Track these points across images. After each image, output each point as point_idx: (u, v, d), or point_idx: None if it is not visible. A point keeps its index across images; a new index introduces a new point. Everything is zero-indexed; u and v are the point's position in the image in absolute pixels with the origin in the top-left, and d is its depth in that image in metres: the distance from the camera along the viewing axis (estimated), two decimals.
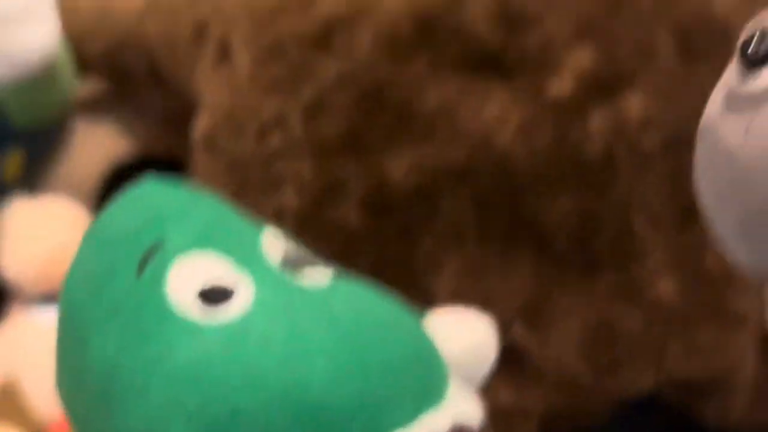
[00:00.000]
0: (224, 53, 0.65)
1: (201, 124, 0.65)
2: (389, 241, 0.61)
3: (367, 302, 0.42)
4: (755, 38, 0.34)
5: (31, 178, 0.78)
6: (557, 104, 0.60)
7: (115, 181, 0.78)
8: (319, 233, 0.61)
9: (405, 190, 0.60)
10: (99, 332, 0.40)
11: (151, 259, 0.40)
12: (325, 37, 0.61)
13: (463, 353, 0.44)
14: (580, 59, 0.60)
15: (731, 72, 0.34)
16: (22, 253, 0.71)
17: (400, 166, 0.60)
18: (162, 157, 0.77)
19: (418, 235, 0.61)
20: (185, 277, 0.40)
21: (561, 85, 0.60)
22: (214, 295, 0.39)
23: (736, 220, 0.34)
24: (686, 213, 0.62)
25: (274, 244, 0.42)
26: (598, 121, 0.60)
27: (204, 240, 0.41)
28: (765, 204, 0.33)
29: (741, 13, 0.63)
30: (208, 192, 0.45)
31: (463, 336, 0.45)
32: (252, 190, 0.62)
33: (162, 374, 0.38)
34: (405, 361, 0.40)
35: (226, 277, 0.40)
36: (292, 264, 0.42)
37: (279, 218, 0.61)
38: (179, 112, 0.72)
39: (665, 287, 0.62)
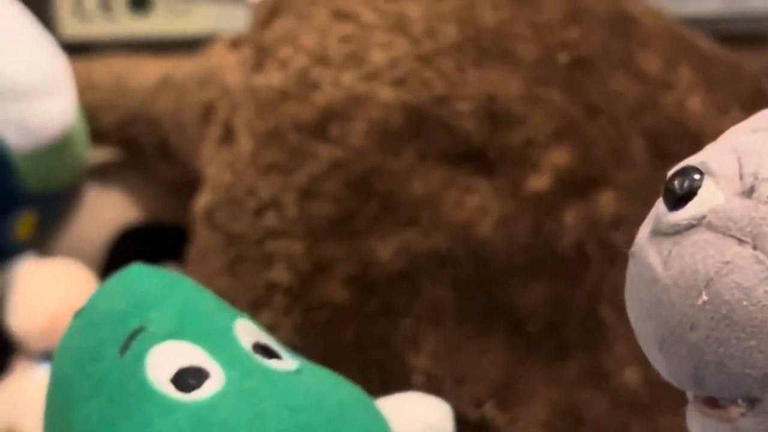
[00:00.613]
0: (228, 134, 0.68)
1: (202, 199, 0.68)
2: (372, 318, 0.64)
3: (327, 389, 0.45)
4: (678, 177, 0.38)
5: (42, 239, 0.82)
6: (535, 199, 0.64)
7: (122, 245, 0.81)
8: (307, 308, 0.64)
9: (389, 271, 0.64)
10: (83, 405, 0.44)
11: (133, 342, 0.44)
12: (322, 125, 0.65)
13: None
14: (557, 158, 0.64)
15: (660, 204, 0.38)
16: (28, 310, 0.74)
17: (385, 249, 0.63)
18: (167, 224, 0.81)
19: (399, 314, 0.64)
20: (163, 360, 0.44)
21: (539, 182, 0.64)
22: (187, 379, 0.43)
23: (655, 336, 0.38)
24: None
25: (246, 330, 0.46)
26: (572, 216, 0.64)
27: (180, 330, 0.45)
28: (678, 326, 0.36)
29: (712, 118, 0.68)
30: (187, 279, 0.49)
31: (420, 418, 0.48)
32: (246, 265, 0.66)
33: None
34: None
35: (198, 361, 0.44)
36: (263, 351, 0.46)
37: (270, 292, 0.65)
38: (185, 182, 0.76)
39: (631, 375, 0.66)
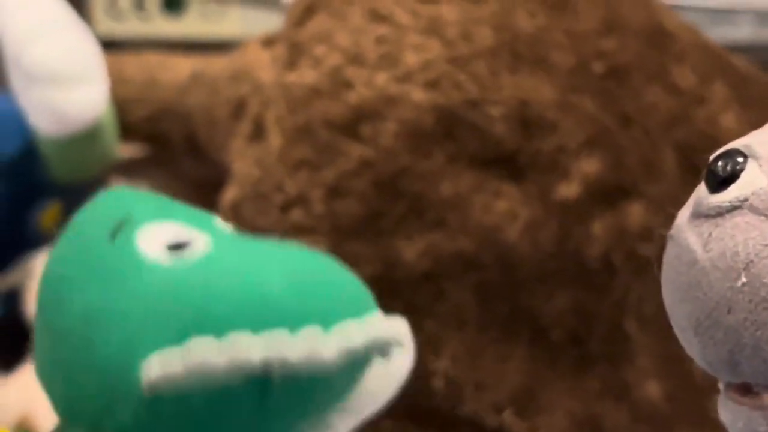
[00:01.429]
0: (258, 130, 0.69)
1: (229, 194, 0.68)
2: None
3: (312, 254, 0.48)
4: (720, 159, 0.38)
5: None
6: (563, 207, 0.64)
7: None
8: None
9: (414, 273, 0.63)
10: (78, 289, 0.45)
11: (120, 229, 0.45)
12: (353, 124, 0.65)
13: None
14: (588, 166, 0.64)
15: (701, 186, 0.38)
16: None
17: (411, 250, 0.63)
18: None
19: (422, 316, 0.64)
20: (152, 236, 0.45)
21: (568, 189, 0.64)
22: (179, 245, 0.45)
23: (690, 320, 0.37)
24: None
25: (224, 224, 0.49)
26: (600, 226, 0.64)
27: (164, 213, 0.47)
28: (715, 308, 0.36)
29: (745, 134, 0.67)
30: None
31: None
32: None
33: (139, 300, 0.43)
34: (353, 292, 0.47)
35: (186, 233, 0.46)
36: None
37: None
38: (211, 179, 0.75)
39: (652, 389, 0.65)
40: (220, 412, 0.43)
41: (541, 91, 0.64)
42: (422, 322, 0.64)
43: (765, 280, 0.35)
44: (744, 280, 0.35)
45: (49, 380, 0.47)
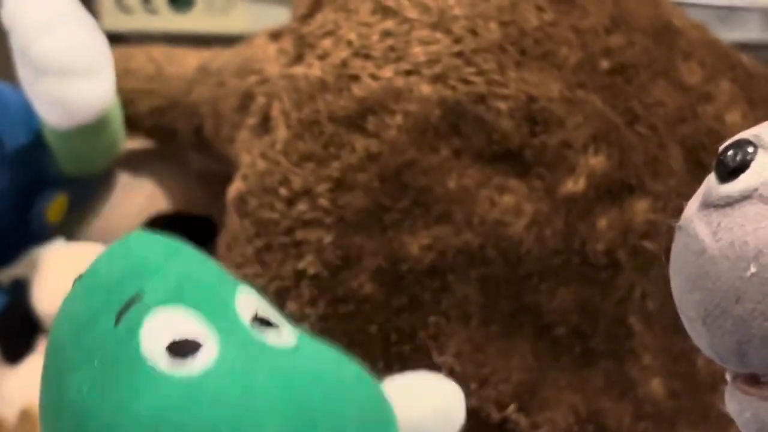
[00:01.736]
0: (265, 123, 0.68)
1: (234, 187, 0.68)
2: (399, 313, 0.64)
3: (326, 364, 0.45)
4: (731, 149, 0.38)
5: (71, 223, 0.82)
6: (569, 202, 0.64)
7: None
8: (333, 299, 0.64)
9: (419, 267, 0.63)
10: (76, 373, 0.44)
11: (128, 311, 0.43)
12: (359, 118, 0.65)
13: (431, 415, 0.47)
14: (594, 162, 0.64)
15: (711, 176, 0.38)
16: (53, 292, 0.75)
17: (416, 245, 0.63)
18: (196, 215, 0.81)
19: (427, 310, 0.64)
20: (157, 331, 0.43)
21: (574, 185, 0.64)
22: (181, 350, 0.43)
23: (699, 309, 0.37)
24: (680, 318, 0.65)
25: (247, 302, 0.46)
26: (605, 222, 0.64)
27: (178, 296, 0.44)
28: (724, 298, 0.36)
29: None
30: (189, 247, 0.48)
31: (431, 399, 0.47)
32: (275, 253, 0.65)
33: (126, 418, 0.42)
34: (354, 422, 0.43)
35: (193, 332, 0.43)
36: (262, 322, 0.45)
37: (297, 281, 0.65)
38: (215, 173, 0.75)
39: (656, 386, 0.65)
40: None
41: (548, 87, 0.64)
42: (427, 316, 0.64)
43: None
44: (753, 270, 0.35)
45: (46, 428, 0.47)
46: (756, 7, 0.91)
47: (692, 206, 0.39)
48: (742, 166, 0.37)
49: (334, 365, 0.45)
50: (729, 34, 0.91)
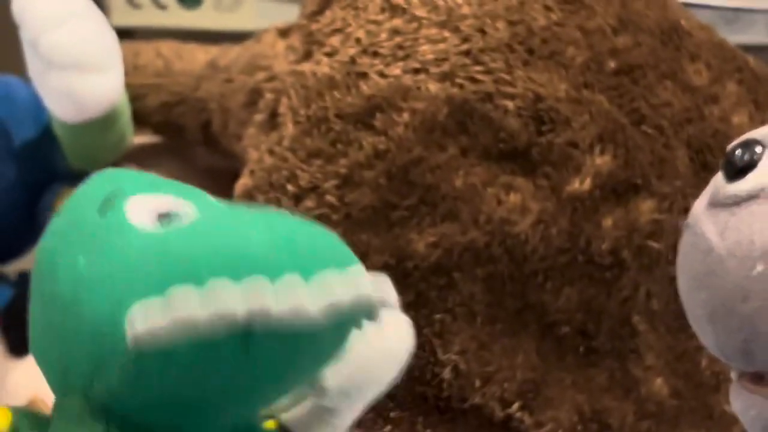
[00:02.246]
0: (273, 119, 0.69)
1: (242, 182, 0.68)
2: (405, 308, 0.64)
3: (297, 217, 0.47)
4: (739, 148, 0.38)
5: None
6: (575, 202, 0.64)
7: None
8: None
9: (425, 263, 0.64)
10: (68, 256, 0.45)
11: (110, 202, 0.45)
12: (368, 115, 0.65)
13: (376, 352, 0.48)
14: (600, 162, 0.64)
15: (718, 175, 0.38)
16: None
17: (422, 242, 0.63)
18: None
19: (432, 307, 0.64)
20: (141, 206, 0.45)
21: (580, 184, 0.64)
22: (166, 215, 0.45)
23: (705, 308, 0.38)
24: (684, 318, 0.65)
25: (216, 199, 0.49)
26: (610, 222, 0.64)
27: (154, 186, 0.47)
28: (730, 296, 0.36)
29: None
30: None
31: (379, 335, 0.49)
32: None
33: (125, 259, 0.43)
34: (336, 256, 0.46)
35: (174, 204, 0.45)
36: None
37: None
38: (221, 169, 0.76)
39: (659, 386, 0.66)
40: (204, 366, 0.43)
41: (555, 86, 0.65)
42: (432, 314, 0.64)
43: None
44: (760, 269, 0.36)
45: (42, 353, 0.47)
46: (762, 10, 0.92)
47: (700, 205, 0.39)
48: (750, 166, 0.37)
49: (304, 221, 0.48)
50: (735, 36, 0.92)
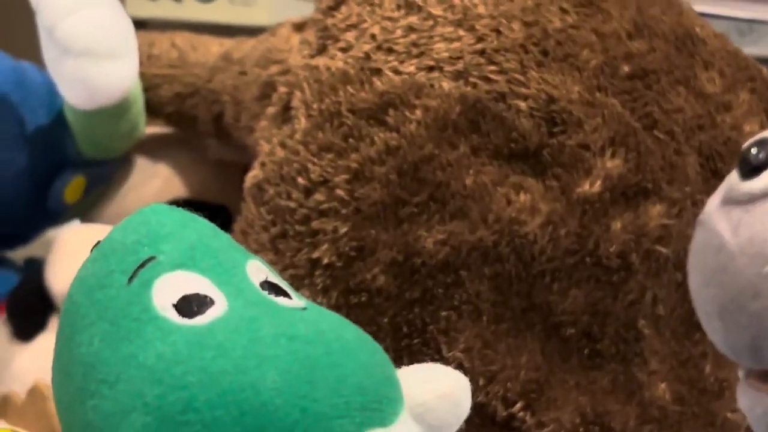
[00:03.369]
0: (285, 112, 0.69)
1: (253, 174, 0.69)
2: (411, 306, 0.64)
3: (331, 326, 0.45)
4: (755, 146, 0.38)
5: (88, 205, 0.83)
6: (584, 204, 0.64)
7: None
8: (347, 289, 0.65)
9: (432, 260, 0.64)
10: (87, 328, 0.45)
11: (141, 270, 0.45)
12: (380, 111, 0.65)
13: (437, 399, 0.47)
14: (611, 165, 0.64)
15: (732, 174, 0.39)
16: (67, 271, 0.75)
17: (431, 239, 0.64)
18: (211, 202, 0.81)
19: (439, 304, 0.64)
20: (168, 288, 0.44)
21: (590, 187, 0.64)
22: (191, 304, 0.44)
23: (715, 304, 0.38)
24: (690, 324, 0.65)
25: (257, 268, 0.47)
26: (619, 225, 0.64)
27: (190, 260, 0.45)
28: (741, 293, 0.37)
29: None
30: (203, 219, 0.50)
31: (439, 384, 0.48)
32: (291, 241, 0.66)
33: (133, 367, 0.43)
34: (355, 381, 0.43)
35: (204, 290, 0.44)
36: (272, 287, 0.46)
37: (312, 270, 0.65)
38: (232, 163, 0.76)
39: (662, 391, 0.66)
40: None
41: (568, 88, 0.65)
42: (439, 311, 0.64)
43: None
44: None
45: (57, 407, 0.47)
46: None
47: (713, 202, 0.40)
48: (765, 164, 0.38)
49: (339, 326, 0.46)
50: (749, 48, 0.92)
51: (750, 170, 0.38)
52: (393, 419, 0.44)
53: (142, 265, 0.45)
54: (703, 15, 0.81)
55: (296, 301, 0.47)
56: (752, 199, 0.37)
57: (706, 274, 0.38)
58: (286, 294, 0.47)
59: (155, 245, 0.46)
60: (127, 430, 0.42)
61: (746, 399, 0.40)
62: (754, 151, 0.38)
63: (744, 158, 0.38)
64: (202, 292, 0.44)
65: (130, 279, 0.45)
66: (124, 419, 0.42)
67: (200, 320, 0.44)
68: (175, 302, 0.44)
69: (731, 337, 0.38)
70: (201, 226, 0.48)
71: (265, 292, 0.46)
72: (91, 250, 0.48)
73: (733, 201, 0.38)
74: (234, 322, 0.43)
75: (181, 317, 0.44)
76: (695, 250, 0.40)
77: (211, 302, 0.44)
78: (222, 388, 0.41)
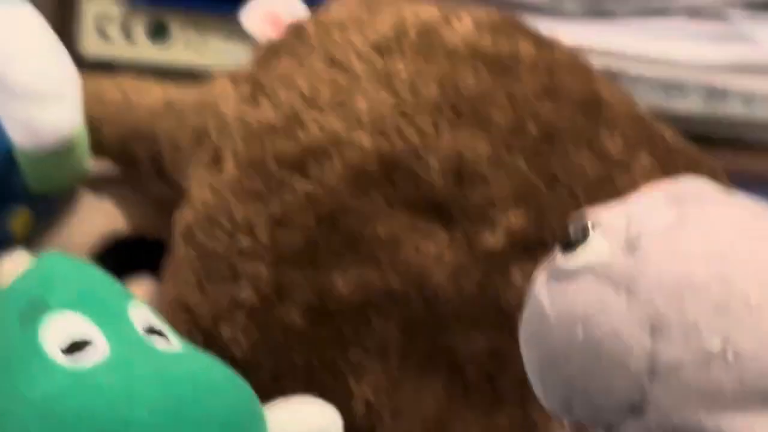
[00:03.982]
0: (216, 159, 0.73)
1: (183, 216, 0.73)
2: (324, 343, 0.69)
3: (202, 367, 0.50)
4: (572, 225, 0.43)
5: (33, 238, 0.87)
6: (487, 255, 0.68)
7: (108, 252, 0.86)
8: (265, 327, 0.69)
9: (345, 303, 0.68)
10: None
11: (31, 312, 0.49)
12: (302, 161, 0.69)
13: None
14: (513, 220, 0.69)
15: (556, 251, 0.44)
16: None
17: (344, 283, 0.68)
18: (151, 238, 0.85)
19: (349, 343, 0.68)
20: (55, 330, 0.49)
21: (493, 239, 0.68)
22: (76, 347, 0.49)
23: (537, 364, 0.43)
24: None
25: (139, 313, 0.52)
26: (519, 275, 0.69)
27: (78, 303, 0.50)
28: (555, 357, 0.41)
29: None
30: (96, 269, 0.55)
31: (309, 419, 0.53)
32: (215, 281, 0.70)
33: (20, 403, 0.47)
34: (220, 418, 0.48)
35: (89, 334, 0.49)
36: (153, 331, 0.51)
37: (233, 309, 0.70)
38: (172, 200, 0.80)
39: (556, 430, 0.70)
40: None
41: (477, 147, 0.69)
42: (348, 349, 0.68)
43: (597, 336, 0.40)
44: (581, 336, 0.41)
45: None
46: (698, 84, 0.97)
47: (542, 274, 0.44)
48: (581, 241, 0.43)
49: (210, 368, 0.50)
50: (669, 105, 0.97)
51: (568, 246, 0.42)
52: None
53: (32, 307, 0.50)
54: (628, 78, 0.86)
55: (174, 343, 0.51)
56: (567, 275, 0.42)
57: (531, 339, 0.43)
58: (166, 337, 0.51)
59: (47, 289, 0.51)
60: None
61: None
62: (572, 230, 0.43)
63: (564, 235, 0.43)
64: (86, 335, 0.49)
65: (22, 321, 0.49)
66: None
67: (83, 362, 0.48)
68: (62, 345, 0.48)
69: (548, 394, 0.43)
70: (91, 273, 0.53)
71: (146, 336, 0.50)
72: None
73: (553, 275, 0.42)
74: (113, 364, 0.48)
75: (67, 359, 0.48)
76: (525, 317, 0.44)
77: (94, 345, 0.49)
78: (98, 426, 0.45)
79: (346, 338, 0.68)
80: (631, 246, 0.41)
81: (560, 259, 0.43)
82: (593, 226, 0.43)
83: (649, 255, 0.41)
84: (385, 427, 0.68)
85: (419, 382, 0.69)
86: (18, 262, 0.80)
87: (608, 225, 0.42)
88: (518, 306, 0.67)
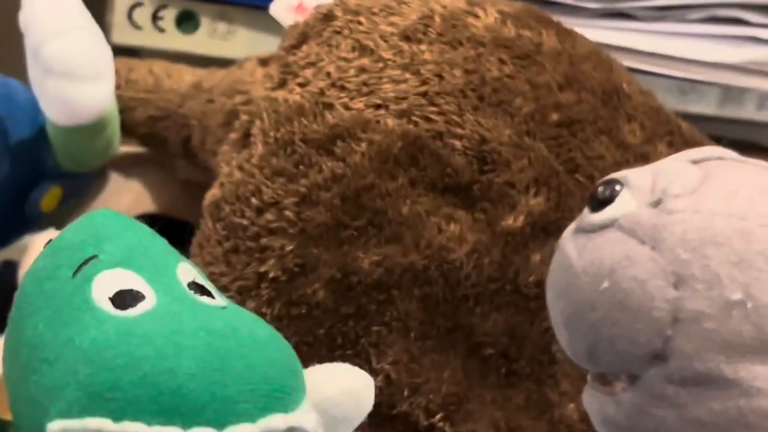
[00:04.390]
0: (245, 139, 0.75)
1: (212, 193, 0.74)
2: (346, 319, 0.70)
3: (246, 324, 0.51)
4: (602, 185, 0.45)
5: (63, 214, 0.89)
6: (507, 236, 0.70)
7: None
8: (289, 301, 0.70)
9: (368, 279, 0.69)
10: (34, 314, 0.51)
11: (84, 267, 0.51)
12: (329, 142, 0.71)
13: (342, 395, 0.53)
14: (533, 203, 0.71)
15: (586, 206, 0.46)
16: None
17: (367, 260, 0.70)
18: (177, 219, 0.87)
19: (371, 319, 0.69)
20: (106, 283, 0.50)
21: (513, 221, 0.70)
22: (125, 298, 0.50)
23: (563, 314, 0.45)
24: None
25: (186, 271, 0.53)
26: (538, 257, 0.70)
27: (128, 260, 0.52)
28: (581, 306, 0.43)
29: None
30: (144, 226, 0.56)
31: (344, 381, 0.54)
32: (241, 255, 0.72)
33: (70, 349, 0.48)
34: (262, 372, 0.48)
35: (137, 286, 0.51)
36: (198, 288, 0.52)
37: (258, 282, 0.71)
38: (198, 182, 0.82)
39: (571, 410, 0.72)
40: None
41: (500, 131, 0.71)
42: (370, 326, 0.70)
43: (623, 286, 0.42)
44: (606, 285, 0.43)
45: (6, 382, 0.53)
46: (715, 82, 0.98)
47: (569, 229, 0.46)
48: (609, 200, 0.44)
49: (253, 324, 0.51)
50: (684, 107, 0.98)
51: (597, 204, 0.44)
52: (294, 407, 0.49)
53: (85, 262, 0.51)
54: (647, 73, 0.87)
55: (218, 300, 0.53)
56: (594, 228, 0.44)
57: (557, 290, 0.45)
58: (210, 294, 0.53)
59: (98, 245, 0.52)
60: (61, 402, 0.47)
61: (587, 396, 0.46)
62: (600, 189, 0.45)
63: (593, 194, 0.45)
64: (135, 288, 0.50)
65: (74, 273, 0.51)
66: (59, 393, 0.48)
67: (131, 312, 0.49)
68: (111, 296, 0.50)
69: (574, 343, 0.45)
70: (140, 230, 0.54)
71: (191, 292, 0.52)
72: (44, 247, 0.54)
73: (581, 230, 0.44)
74: (160, 316, 0.49)
75: (115, 309, 0.50)
76: (552, 269, 0.46)
77: (142, 297, 0.50)
78: (144, 371, 0.47)
79: (368, 314, 0.70)
80: (657, 203, 0.43)
81: (588, 216, 0.45)
82: (621, 185, 0.45)
83: (674, 211, 0.43)
84: (404, 402, 0.70)
85: (438, 359, 0.70)
86: (47, 241, 0.82)
87: (635, 184, 0.44)
88: (536, 286, 0.70)
